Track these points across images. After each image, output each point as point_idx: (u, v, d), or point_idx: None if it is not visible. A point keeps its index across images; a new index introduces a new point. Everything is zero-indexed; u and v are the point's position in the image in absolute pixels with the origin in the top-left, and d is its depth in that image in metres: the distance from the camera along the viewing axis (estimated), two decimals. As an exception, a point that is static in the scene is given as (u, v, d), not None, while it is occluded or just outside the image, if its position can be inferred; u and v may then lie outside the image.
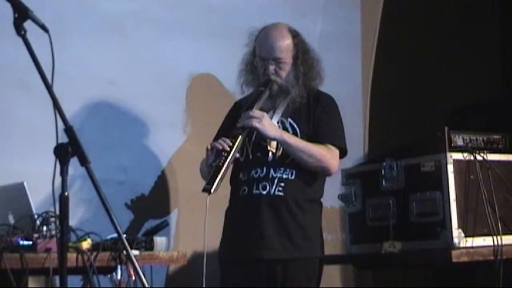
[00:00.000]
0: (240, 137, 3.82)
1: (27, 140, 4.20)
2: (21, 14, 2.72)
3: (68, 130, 2.64)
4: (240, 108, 4.06)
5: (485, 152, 4.30)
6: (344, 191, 4.60)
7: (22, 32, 2.71)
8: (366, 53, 5.67)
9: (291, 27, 4.04)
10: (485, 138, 4.42)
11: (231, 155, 3.76)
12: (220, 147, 3.76)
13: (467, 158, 4.24)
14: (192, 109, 4.82)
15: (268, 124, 3.86)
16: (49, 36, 2.73)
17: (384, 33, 5.72)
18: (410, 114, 5.67)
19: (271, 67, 3.94)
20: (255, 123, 3.82)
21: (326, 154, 3.92)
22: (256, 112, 3.86)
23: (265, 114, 3.87)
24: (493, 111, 5.31)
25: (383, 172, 4.38)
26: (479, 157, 4.26)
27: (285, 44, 3.95)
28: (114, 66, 4.57)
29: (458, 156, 4.21)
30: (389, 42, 5.74)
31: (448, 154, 4.17)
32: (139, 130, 4.68)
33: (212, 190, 3.67)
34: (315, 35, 5.29)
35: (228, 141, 3.79)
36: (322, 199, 4.07)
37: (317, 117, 3.97)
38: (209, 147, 3.82)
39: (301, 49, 3.98)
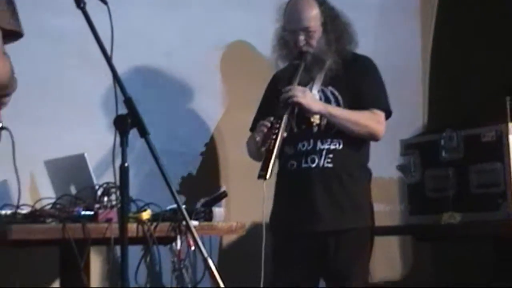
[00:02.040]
0: (285, 116, 3.81)
1: (88, 111, 4.24)
2: (81, -13, 2.73)
3: (127, 101, 2.65)
4: (278, 82, 4.03)
5: (547, 121, 4.23)
6: (402, 161, 4.57)
7: (82, 5, 2.73)
8: (425, 23, 5.61)
9: None
10: (547, 107, 4.35)
11: (279, 136, 3.75)
12: (264, 128, 3.76)
13: (528, 128, 4.18)
14: (228, 77, 4.83)
15: (311, 99, 3.84)
16: (108, 8, 2.75)
17: (443, 1, 5.65)
18: (470, 84, 5.60)
19: (301, 38, 3.91)
20: (299, 99, 3.80)
21: (371, 120, 3.87)
22: (297, 88, 3.83)
23: (306, 89, 3.85)
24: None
25: (442, 142, 4.34)
26: (541, 127, 4.19)
27: (312, 13, 3.91)
28: (171, 37, 4.60)
29: (519, 126, 4.15)
30: (449, 11, 5.66)
31: (510, 124, 4.11)
32: (194, 100, 4.70)
33: (267, 176, 3.67)
34: (374, 7, 5.24)
35: (273, 122, 3.79)
36: (380, 170, 4.04)
37: (357, 81, 3.92)
38: (255, 136, 3.82)
39: (330, 16, 3.93)
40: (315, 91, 3.91)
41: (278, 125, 3.77)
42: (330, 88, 3.93)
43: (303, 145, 3.90)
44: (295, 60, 3.92)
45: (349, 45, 3.96)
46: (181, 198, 4.42)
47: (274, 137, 3.75)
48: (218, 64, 4.79)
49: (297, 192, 3.91)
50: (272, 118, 3.82)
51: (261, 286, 3.69)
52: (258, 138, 3.81)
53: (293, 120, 3.90)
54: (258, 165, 3.77)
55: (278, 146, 3.75)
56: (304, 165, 3.88)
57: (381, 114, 3.91)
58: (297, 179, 3.92)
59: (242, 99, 4.68)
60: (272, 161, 3.70)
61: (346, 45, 3.95)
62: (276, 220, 3.97)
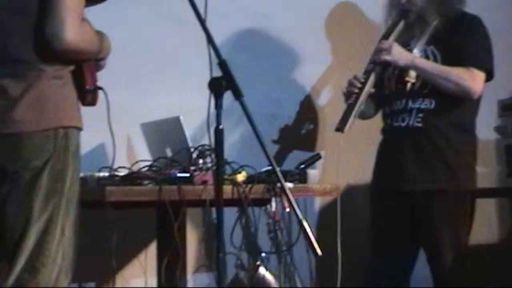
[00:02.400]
0: (372, 72, 3.78)
1: (182, 74, 4.28)
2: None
3: (222, 63, 2.66)
4: None
5: None
6: (500, 123, 4.48)
7: (176, -32, 2.74)
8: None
9: None
10: None
11: (363, 92, 3.74)
12: (351, 87, 3.75)
13: None
14: (332, 37, 4.79)
15: (398, 53, 3.78)
16: (203, -31, 2.75)
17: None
18: None
19: None
20: (384, 56, 3.76)
21: (465, 76, 3.76)
22: (384, 43, 3.80)
23: (394, 43, 3.79)
24: None
25: (541, 103, 4.23)
26: None
27: None
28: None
29: None
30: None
31: None
32: (289, 63, 4.70)
33: (344, 130, 3.67)
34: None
35: (360, 78, 3.77)
36: (477, 131, 3.95)
37: (460, 40, 3.82)
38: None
39: None
40: (417, 50, 3.85)
41: (364, 81, 3.75)
42: (431, 47, 3.86)
43: (397, 104, 3.86)
44: (397, 18, 3.87)
45: (457, 4, 3.88)
46: (274, 147, 4.45)
47: (357, 91, 3.73)
48: (320, 25, 4.75)
49: (389, 151, 3.90)
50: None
51: (339, 250, 3.68)
52: (344, 92, 3.81)
53: (393, 78, 3.86)
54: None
55: (361, 101, 3.74)
56: (395, 124, 3.86)
57: (478, 73, 3.80)
58: (390, 138, 3.91)
59: (345, 61, 4.64)
60: (352, 115, 3.70)
61: (454, 4, 3.87)
62: (373, 180, 3.97)
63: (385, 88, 3.88)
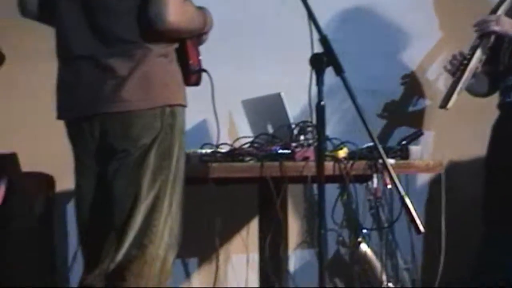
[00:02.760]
0: (478, 48, 3.70)
1: (283, 51, 4.28)
2: None
3: (323, 40, 2.65)
4: None
5: None
6: None
7: None
8: None
9: None
10: None
11: (468, 68, 3.67)
12: (454, 61, 3.70)
13: None
14: (441, 13, 4.71)
15: (507, 23, 3.70)
16: None
17: None
18: None
19: None
20: (492, 27, 3.68)
21: None
22: (490, 16, 3.73)
23: (501, 15, 3.73)
24: None
25: None
26: None
27: None
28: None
29: None
30: None
31: None
32: (392, 39, 4.64)
33: (447, 107, 3.64)
34: None
35: (465, 54, 3.71)
36: None
37: None
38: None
39: None
40: None
41: (469, 57, 3.69)
42: None
43: (509, 80, 3.81)
44: None
45: None
46: (378, 124, 4.41)
47: (462, 67, 3.68)
48: (429, 0, 4.68)
49: (501, 126, 3.85)
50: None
51: (443, 227, 3.64)
52: (449, 68, 3.75)
53: (507, 54, 3.80)
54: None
55: (467, 77, 3.68)
56: (507, 100, 3.80)
57: None
58: (503, 113, 3.85)
59: (454, 37, 4.55)
60: (456, 91, 3.65)
61: None
62: (487, 155, 3.91)
63: (500, 64, 3.81)
